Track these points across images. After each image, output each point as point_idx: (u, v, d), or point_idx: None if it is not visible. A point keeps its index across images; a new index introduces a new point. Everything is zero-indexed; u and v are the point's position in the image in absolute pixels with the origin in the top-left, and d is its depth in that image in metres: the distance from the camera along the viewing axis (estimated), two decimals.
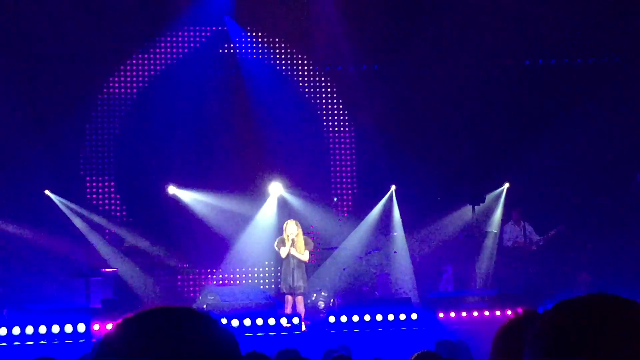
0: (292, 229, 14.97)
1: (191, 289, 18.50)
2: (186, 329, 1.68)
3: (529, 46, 19.15)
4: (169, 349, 1.63)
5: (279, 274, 16.40)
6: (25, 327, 12.81)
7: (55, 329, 12.92)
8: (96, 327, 13.09)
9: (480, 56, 18.70)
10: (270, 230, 17.12)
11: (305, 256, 15.03)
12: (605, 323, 1.64)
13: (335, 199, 19.29)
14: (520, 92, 18.87)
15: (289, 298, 14.90)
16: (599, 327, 1.64)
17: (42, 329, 12.87)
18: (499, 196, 19.04)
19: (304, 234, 15.37)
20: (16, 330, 12.75)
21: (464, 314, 14.69)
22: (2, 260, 16.44)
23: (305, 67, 19.51)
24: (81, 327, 13.02)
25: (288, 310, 14.70)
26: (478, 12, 18.24)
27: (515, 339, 2.48)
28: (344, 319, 14.01)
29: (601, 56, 19.42)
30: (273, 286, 17.83)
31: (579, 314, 1.67)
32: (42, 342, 12.66)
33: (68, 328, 12.96)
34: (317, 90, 19.56)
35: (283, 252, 14.85)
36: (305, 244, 15.07)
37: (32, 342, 12.65)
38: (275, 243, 15.17)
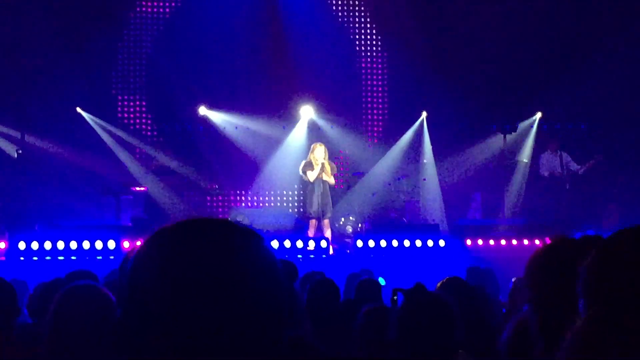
0: (321, 153, 14.84)
1: (220, 209, 18.59)
2: (227, 240, 1.58)
3: None
4: (208, 262, 1.54)
5: (301, 198, 16.45)
6: (57, 242, 12.96)
7: (86, 245, 13.06)
8: (126, 244, 13.22)
9: None
10: (300, 153, 16.98)
11: (332, 180, 15.02)
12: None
13: None
14: (555, 19, 18.50)
15: (314, 222, 14.89)
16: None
17: (73, 245, 13.02)
18: (531, 125, 18.86)
19: (330, 158, 15.29)
20: (48, 245, 12.91)
21: (491, 242, 14.64)
22: (34, 177, 16.56)
23: None
24: (111, 244, 13.16)
25: (311, 234, 14.74)
26: None
27: (550, 264, 2.46)
28: (371, 243, 14.03)
29: None
30: (302, 210, 17.91)
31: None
32: (72, 257, 12.82)
33: (98, 244, 13.10)
34: (350, 14, 19.33)
35: (312, 176, 14.74)
36: (331, 168, 15.04)
37: (62, 257, 12.82)
38: (301, 167, 15.02)
